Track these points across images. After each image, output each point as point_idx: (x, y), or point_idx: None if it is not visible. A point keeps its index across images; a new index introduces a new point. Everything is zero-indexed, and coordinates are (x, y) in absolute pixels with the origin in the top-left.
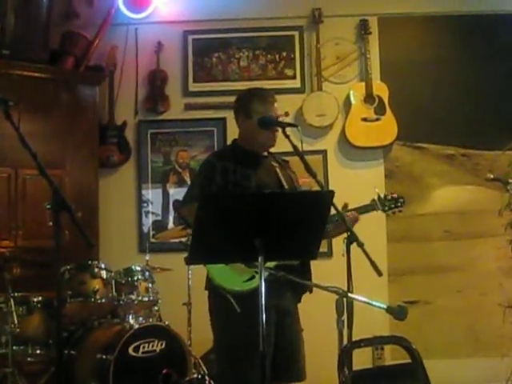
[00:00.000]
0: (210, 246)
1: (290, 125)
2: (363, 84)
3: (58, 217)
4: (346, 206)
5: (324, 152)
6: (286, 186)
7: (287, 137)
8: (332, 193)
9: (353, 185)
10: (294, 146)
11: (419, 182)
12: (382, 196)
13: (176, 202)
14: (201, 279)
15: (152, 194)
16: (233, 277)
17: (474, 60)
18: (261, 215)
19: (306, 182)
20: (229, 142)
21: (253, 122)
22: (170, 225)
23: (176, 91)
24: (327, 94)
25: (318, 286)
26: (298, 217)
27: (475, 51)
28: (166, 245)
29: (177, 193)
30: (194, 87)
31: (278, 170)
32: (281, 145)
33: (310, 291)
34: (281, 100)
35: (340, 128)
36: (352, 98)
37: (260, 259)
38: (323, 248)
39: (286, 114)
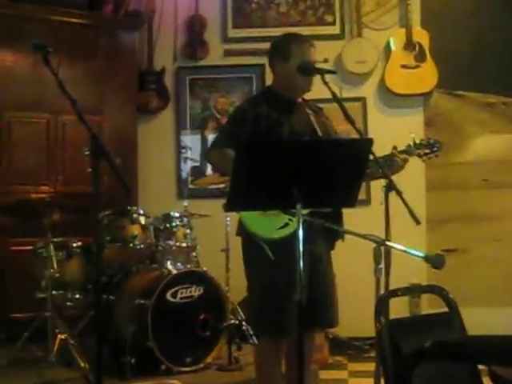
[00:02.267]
0: (247, 193)
1: (328, 71)
2: (403, 30)
3: (97, 163)
4: (395, 148)
5: (363, 99)
6: (320, 134)
7: (326, 83)
8: (370, 140)
9: (392, 132)
10: (333, 93)
11: (459, 130)
12: (418, 141)
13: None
14: (236, 221)
15: (191, 140)
16: (266, 224)
17: None
18: (298, 163)
19: (344, 130)
20: (266, 87)
21: (290, 65)
22: (209, 171)
23: (215, 37)
24: (367, 40)
25: (355, 234)
26: (335, 165)
27: None
28: (204, 191)
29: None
30: (232, 33)
31: (312, 117)
32: (318, 91)
33: (343, 239)
34: (320, 46)
35: (379, 75)
36: (392, 45)
37: (298, 207)
38: (361, 195)
39: (325, 61)
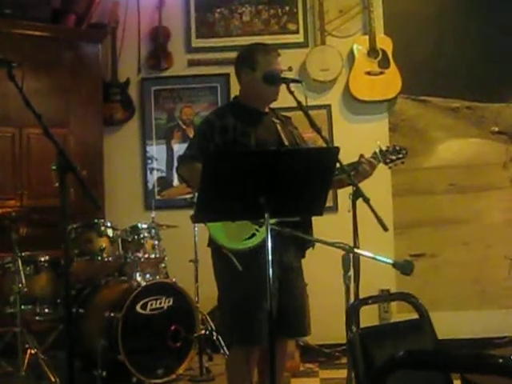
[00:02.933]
0: (215, 204)
1: (294, 80)
2: (367, 38)
3: (64, 178)
4: (361, 157)
5: (328, 107)
6: (287, 143)
7: (291, 93)
8: (337, 149)
9: (357, 139)
10: (299, 102)
11: (424, 135)
12: (384, 148)
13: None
14: (207, 236)
15: (156, 150)
16: (233, 235)
17: (477, 11)
18: (265, 173)
19: (310, 137)
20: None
21: (256, 75)
22: (175, 182)
23: (179, 47)
24: (331, 48)
25: (324, 242)
26: (303, 174)
27: (479, 2)
28: (171, 202)
29: (181, 149)
30: (196, 43)
31: (278, 126)
32: (284, 100)
33: (313, 246)
34: (284, 55)
35: (344, 82)
36: (356, 52)
37: (266, 216)
38: (329, 202)
39: (290, 69)
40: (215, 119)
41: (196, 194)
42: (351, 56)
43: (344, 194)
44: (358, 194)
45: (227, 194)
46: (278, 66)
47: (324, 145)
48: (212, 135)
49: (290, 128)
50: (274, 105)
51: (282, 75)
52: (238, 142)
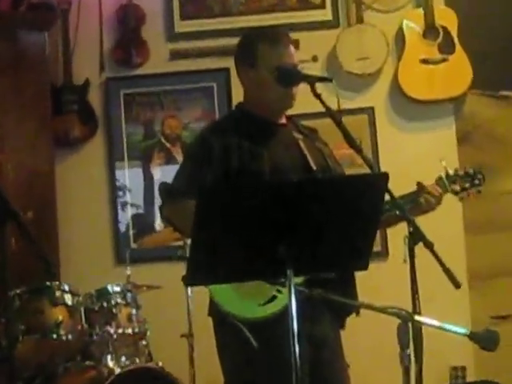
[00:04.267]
0: (215, 258)
1: (321, 79)
2: (421, 11)
3: (2, 228)
4: (421, 187)
5: (370, 110)
6: (315, 168)
7: (318, 96)
8: (385, 176)
9: (412, 156)
10: (328, 108)
11: (506, 146)
12: (452, 172)
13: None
14: (205, 300)
15: (130, 177)
16: (245, 300)
17: None
18: (285, 213)
19: (346, 155)
20: (235, 101)
21: (260, 73)
22: (159, 222)
23: (157, 34)
24: (371, 27)
25: (371, 307)
26: (338, 212)
27: None
28: (153, 252)
29: (165, 175)
30: (182, 27)
31: (302, 143)
32: (305, 104)
33: (357, 313)
34: (305, 39)
35: (391, 75)
36: (406, 32)
37: (289, 273)
38: (375, 246)
39: (314, 59)
40: (213, 136)
41: (188, 243)
42: (400, 38)
43: (397, 234)
44: (417, 237)
45: (232, 243)
46: (289, 57)
47: (366, 169)
48: (209, 160)
49: (318, 145)
50: (291, 111)
51: (303, 71)
52: (246, 168)
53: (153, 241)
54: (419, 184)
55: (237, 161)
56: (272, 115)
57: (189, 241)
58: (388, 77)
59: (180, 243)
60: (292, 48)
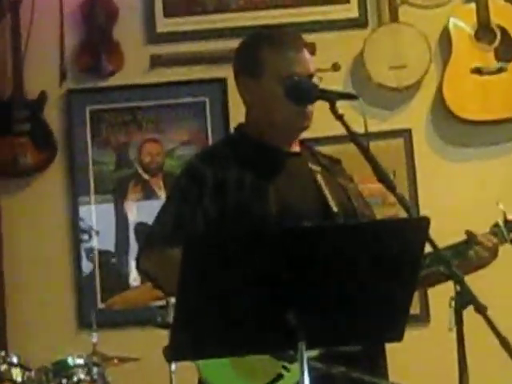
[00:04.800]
0: (206, 327)
1: (344, 95)
2: (473, 6)
3: None
4: (471, 236)
5: (406, 133)
6: (336, 210)
7: (339, 118)
8: (426, 221)
9: (460, 192)
10: (352, 133)
11: None
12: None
13: (140, 226)
14: (192, 378)
15: (98, 217)
16: (243, 379)
17: None
18: (296, 269)
19: (375, 190)
20: (233, 122)
21: (266, 85)
22: (134, 275)
23: (133, 34)
24: (408, 27)
25: None
26: (364, 268)
27: None
28: (127, 314)
29: (142, 213)
30: (165, 26)
31: (319, 177)
32: (322, 124)
33: None
34: (326, 43)
35: (434, 89)
36: (454, 33)
37: (300, 346)
38: (413, 309)
39: (335, 68)
40: (205, 167)
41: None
42: (446, 41)
43: (440, 294)
44: (466, 299)
45: (228, 307)
46: (302, 66)
47: (401, 209)
48: (200, 197)
49: (341, 180)
50: (304, 134)
51: (319, 86)
52: (247, 209)
53: (126, 300)
54: (469, 232)
55: (235, 199)
56: (281, 140)
57: (173, 301)
58: (430, 91)
59: (161, 303)
60: (306, 53)
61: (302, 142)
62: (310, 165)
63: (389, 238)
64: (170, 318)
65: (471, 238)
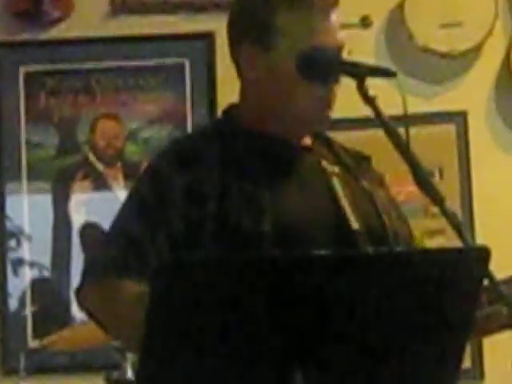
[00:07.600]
0: None
1: (377, 71)
2: None
3: None
4: None
5: (461, 117)
6: (357, 227)
7: (370, 101)
8: (485, 252)
9: None
10: (385, 124)
11: None
12: None
13: (88, 228)
14: None
15: (31, 215)
16: None
17: None
18: (304, 312)
19: (413, 194)
20: (221, 97)
21: (276, 61)
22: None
23: None
24: None
25: None
26: (399, 312)
27: None
28: (68, 358)
29: (92, 213)
30: None
31: (336, 181)
32: (349, 105)
33: None
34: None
35: (500, 56)
36: None
37: None
38: (464, 362)
39: (365, 23)
40: (174, 173)
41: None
42: None
43: (496, 344)
44: None
45: (211, 360)
46: (331, 37)
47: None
48: (164, 213)
49: (366, 184)
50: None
51: (346, 57)
52: (233, 227)
53: (67, 338)
54: None
55: (215, 213)
56: (289, 132)
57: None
58: (494, 59)
59: (117, 344)
60: (333, 16)
61: (314, 134)
62: (323, 164)
63: (434, 271)
64: (128, 374)
65: None
